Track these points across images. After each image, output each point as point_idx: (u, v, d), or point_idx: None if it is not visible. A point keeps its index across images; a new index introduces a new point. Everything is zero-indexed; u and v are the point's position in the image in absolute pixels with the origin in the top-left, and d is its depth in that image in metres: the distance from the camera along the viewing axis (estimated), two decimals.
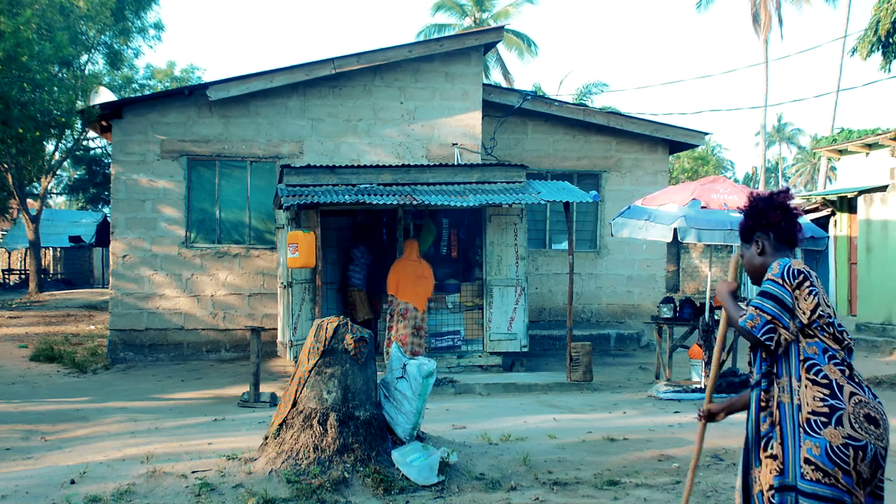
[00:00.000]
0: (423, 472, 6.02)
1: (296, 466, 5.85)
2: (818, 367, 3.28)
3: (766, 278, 3.39)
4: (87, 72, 23.92)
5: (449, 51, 14.95)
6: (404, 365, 6.53)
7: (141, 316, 14.37)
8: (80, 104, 18.10)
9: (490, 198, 11.66)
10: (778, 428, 3.34)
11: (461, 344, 12.54)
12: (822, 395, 3.24)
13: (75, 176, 37.75)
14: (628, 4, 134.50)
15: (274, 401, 10.04)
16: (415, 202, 11.36)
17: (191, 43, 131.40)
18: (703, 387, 10.52)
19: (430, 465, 6.07)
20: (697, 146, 20.15)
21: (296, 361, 7.28)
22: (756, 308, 3.32)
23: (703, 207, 9.97)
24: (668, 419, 8.74)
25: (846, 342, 3.34)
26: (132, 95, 25.60)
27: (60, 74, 20.74)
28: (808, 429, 3.24)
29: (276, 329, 13.76)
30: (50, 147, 23.78)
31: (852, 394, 3.26)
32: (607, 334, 15.54)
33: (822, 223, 19.71)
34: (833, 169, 36.20)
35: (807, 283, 3.33)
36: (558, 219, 15.76)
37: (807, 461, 3.22)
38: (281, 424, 6.17)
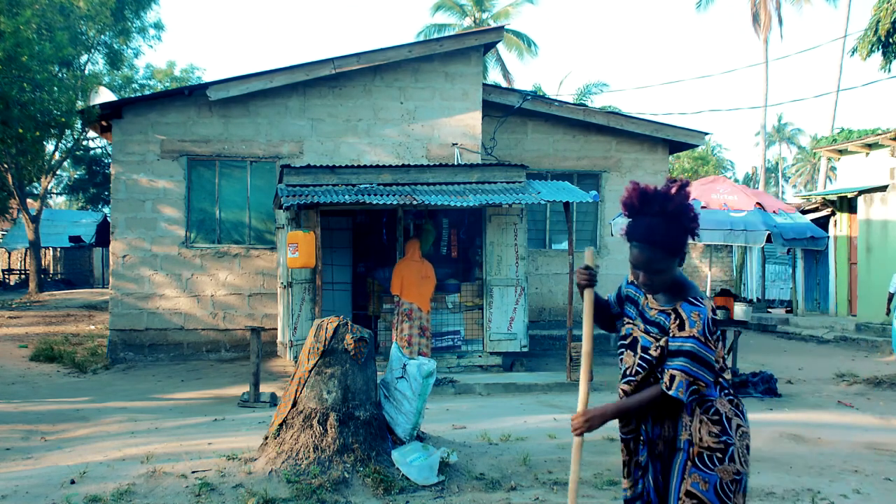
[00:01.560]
0: (423, 472, 6.01)
1: (296, 466, 5.85)
2: (710, 403, 3.16)
3: (689, 334, 3.08)
4: (87, 72, 23.93)
5: (449, 51, 14.95)
6: (404, 365, 6.53)
7: (141, 316, 14.37)
8: (80, 104, 18.09)
9: (490, 198, 11.66)
10: (661, 461, 3.25)
11: (461, 344, 12.54)
12: (715, 432, 3.14)
13: (75, 176, 37.76)
14: (628, 4, 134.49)
15: (274, 401, 10.04)
16: (415, 202, 11.36)
17: (191, 43, 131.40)
18: None
19: (430, 465, 6.07)
20: (697, 146, 20.14)
21: (296, 361, 7.28)
22: (684, 373, 3.08)
23: (703, 207, 9.98)
24: None
25: (726, 364, 3.27)
26: (132, 95, 25.61)
27: (60, 74, 20.74)
28: (699, 463, 3.14)
29: (276, 329, 13.76)
30: (50, 147, 23.79)
31: (738, 426, 3.19)
32: (607, 334, 15.54)
33: (822, 223, 19.71)
34: (833, 169, 36.20)
35: (716, 330, 3.15)
36: (558, 219, 15.76)
37: (689, 494, 3.13)
38: (281, 424, 6.17)
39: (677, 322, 3.11)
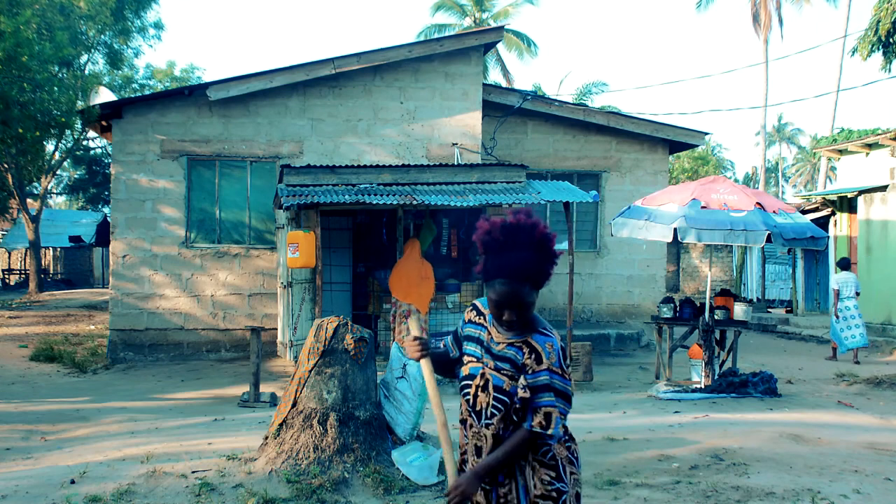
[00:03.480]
0: (423, 472, 6.01)
1: (296, 466, 5.85)
2: (548, 447, 3.00)
3: (545, 368, 2.91)
4: (87, 72, 23.94)
5: (449, 51, 14.95)
6: (404, 365, 6.53)
7: (141, 316, 14.37)
8: (80, 104, 18.10)
9: (490, 198, 11.66)
10: None
11: None
12: (548, 479, 3.00)
13: (75, 176, 37.79)
14: (628, 4, 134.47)
15: (274, 401, 10.04)
16: (415, 202, 11.36)
17: (191, 43, 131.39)
18: (703, 386, 10.52)
19: (430, 465, 6.07)
20: (697, 146, 20.14)
21: (296, 361, 7.28)
22: (558, 410, 2.92)
23: (703, 207, 9.97)
24: (668, 419, 8.74)
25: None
26: (132, 95, 25.61)
27: (60, 74, 20.75)
28: None
29: (276, 329, 13.76)
30: (50, 147, 23.79)
31: (572, 473, 3.07)
32: (607, 334, 15.54)
33: (822, 223, 19.71)
34: (833, 169, 36.21)
35: (569, 363, 3.05)
36: (558, 219, 15.75)
37: None
38: (281, 424, 6.17)
39: (532, 356, 2.92)
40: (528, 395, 2.89)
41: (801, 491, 5.99)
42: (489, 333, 3.05)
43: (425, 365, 3.12)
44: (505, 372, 2.95)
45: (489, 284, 2.94)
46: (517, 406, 2.91)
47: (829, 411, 9.40)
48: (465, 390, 3.05)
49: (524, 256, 2.88)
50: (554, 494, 2.98)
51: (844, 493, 5.96)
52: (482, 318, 3.09)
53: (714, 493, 5.96)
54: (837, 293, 14.41)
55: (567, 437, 3.05)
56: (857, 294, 14.47)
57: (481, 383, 2.99)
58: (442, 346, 3.26)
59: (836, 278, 14.69)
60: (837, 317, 14.29)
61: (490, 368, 2.99)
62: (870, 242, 17.60)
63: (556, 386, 2.91)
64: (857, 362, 14.12)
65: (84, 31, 22.80)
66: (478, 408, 3.00)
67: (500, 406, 2.94)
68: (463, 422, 3.09)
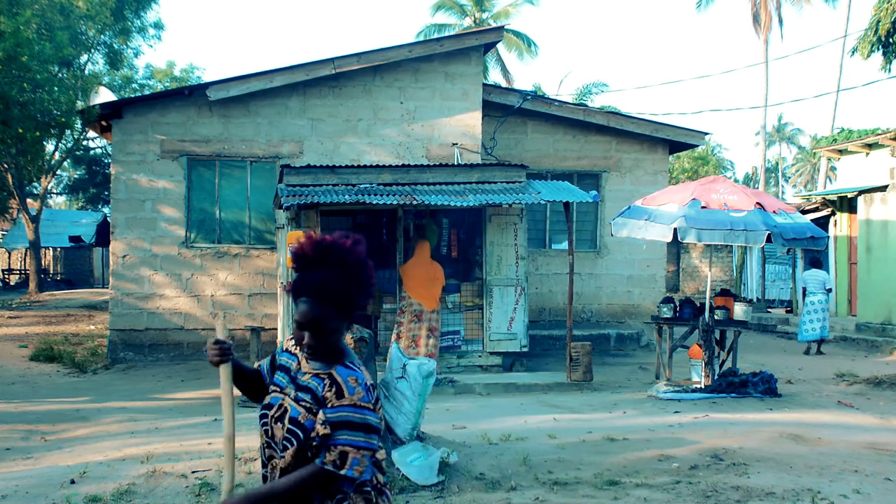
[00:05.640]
0: (423, 472, 6.01)
1: None
2: (343, 496, 2.77)
3: (350, 402, 2.68)
4: (87, 72, 23.93)
5: (449, 51, 14.95)
6: (404, 365, 6.53)
7: (141, 316, 14.37)
8: (80, 104, 18.09)
9: (490, 198, 11.66)
10: None
11: (461, 344, 12.54)
12: None
13: (75, 176, 37.79)
14: (628, 4, 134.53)
15: None
16: (415, 202, 11.36)
17: (191, 43, 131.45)
18: (703, 386, 10.52)
19: (430, 465, 6.07)
20: (697, 146, 20.15)
21: None
22: (356, 448, 2.67)
23: (703, 207, 9.97)
24: (668, 419, 8.74)
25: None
26: (132, 95, 25.61)
27: (60, 74, 20.73)
28: None
29: (276, 329, 13.76)
30: (50, 147, 23.79)
31: None
32: (607, 334, 15.54)
33: (822, 223, 19.71)
34: (833, 169, 36.20)
35: (377, 398, 2.82)
36: (558, 219, 15.76)
37: None
38: None
39: (333, 389, 2.71)
40: (328, 430, 2.66)
41: (801, 491, 5.99)
42: (299, 363, 2.88)
43: (223, 371, 2.91)
44: (304, 403, 2.75)
45: (295, 304, 2.79)
46: (315, 443, 2.69)
47: (829, 411, 9.40)
48: (263, 420, 2.85)
49: (330, 277, 2.73)
50: None
51: (844, 493, 5.96)
52: (298, 348, 2.91)
53: (714, 493, 5.96)
54: (805, 290, 15.57)
55: (372, 487, 2.80)
56: (830, 290, 15.63)
57: (278, 413, 2.79)
58: (256, 365, 3.08)
59: (805, 275, 15.77)
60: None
61: (290, 399, 2.79)
62: (870, 242, 17.60)
63: (358, 423, 2.66)
64: (821, 353, 15.39)
65: (84, 31, 22.80)
66: (276, 439, 2.79)
67: (292, 438, 2.72)
68: (262, 450, 2.88)
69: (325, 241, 2.78)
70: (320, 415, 2.68)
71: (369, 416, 2.69)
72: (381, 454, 2.84)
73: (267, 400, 2.87)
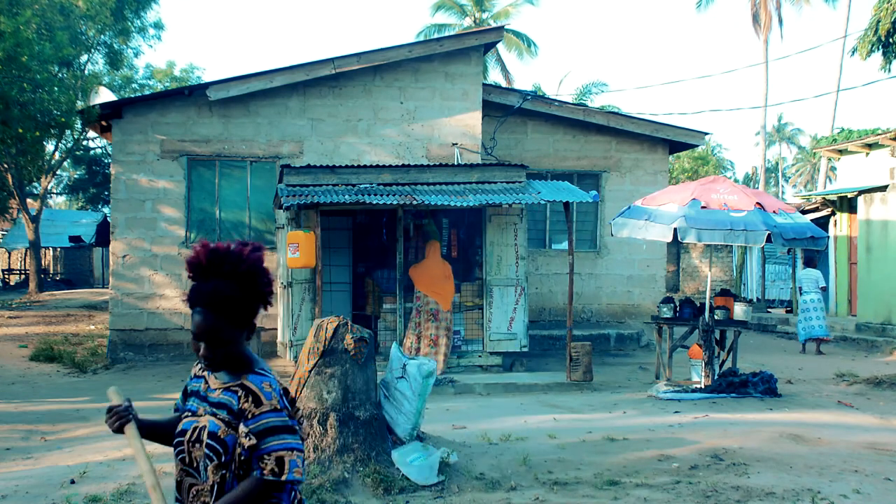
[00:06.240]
0: (423, 472, 6.02)
1: None
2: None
3: (270, 408, 2.63)
4: (87, 72, 23.94)
5: (449, 51, 14.95)
6: (404, 365, 6.53)
7: (141, 316, 14.37)
8: (80, 104, 18.09)
9: (490, 198, 11.66)
10: None
11: (461, 344, 12.54)
12: None
13: (75, 176, 37.79)
14: (628, 4, 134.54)
15: None
16: (415, 202, 11.36)
17: (191, 43, 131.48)
18: (703, 386, 10.52)
19: (430, 465, 6.08)
20: (697, 146, 20.15)
21: (296, 361, 7.28)
22: (290, 450, 2.63)
23: (703, 207, 9.97)
24: (668, 419, 8.74)
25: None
26: (132, 95, 25.61)
27: (60, 74, 20.74)
28: None
29: (276, 329, 13.76)
30: (50, 147, 23.80)
31: None
32: (607, 334, 15.54)
33: (822, 223, 19.71)
34: (833, 169, 36.21)
35: (293, 408, 2.79)
36: (558, 219, 15.76)
37: None
38: None
39: (250, 398, 2.65)
40: (254, 441, 2.60)
41: (801, 491, 5.99)
42: (206, 383, 2.80)
43: (128, 432, 2.78)
44: (221, 418, 2.67)
45: (192, 314, 2.72)
46: (243, 457, 2.62)
47: (829, 411, 9.41)
48: (178, 447, 2.74)
49: (224, 286, 2.67)
50: None
51: (844, 493, 5.96)
52: (204, 369, 2.85)
53: (714, 493, 5.96)
54: (800, 289, 15.77)
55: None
56: (824, 289, 15.83)
57: (194, 437, 2.69)
58: (175, 407, 2.96)
59: (800, 275, 16.02)
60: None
61: (206, 417, 2.70)
62: (870, 242, 17.60)
63: (282, 426, 2.63)
64: (821, 352, 15.35)
65: (84, 31, 22.80)
66: (195, 464, 2.69)
67: (212, 454, 2.64)
68: (178, 484, 2.75)
69: (220, 249, 2.71)
70: (241, 428, 2.62)
71: (287, 418, 2.65)
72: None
73: (179, 427, 2.76)
